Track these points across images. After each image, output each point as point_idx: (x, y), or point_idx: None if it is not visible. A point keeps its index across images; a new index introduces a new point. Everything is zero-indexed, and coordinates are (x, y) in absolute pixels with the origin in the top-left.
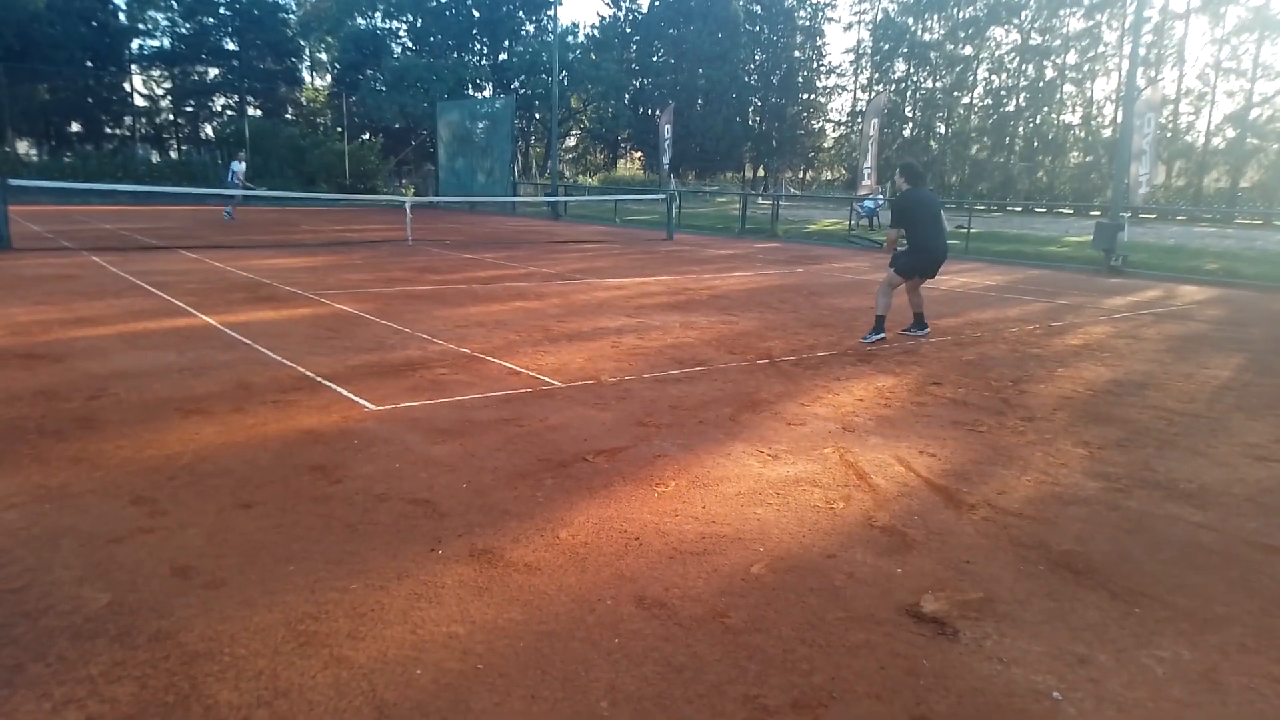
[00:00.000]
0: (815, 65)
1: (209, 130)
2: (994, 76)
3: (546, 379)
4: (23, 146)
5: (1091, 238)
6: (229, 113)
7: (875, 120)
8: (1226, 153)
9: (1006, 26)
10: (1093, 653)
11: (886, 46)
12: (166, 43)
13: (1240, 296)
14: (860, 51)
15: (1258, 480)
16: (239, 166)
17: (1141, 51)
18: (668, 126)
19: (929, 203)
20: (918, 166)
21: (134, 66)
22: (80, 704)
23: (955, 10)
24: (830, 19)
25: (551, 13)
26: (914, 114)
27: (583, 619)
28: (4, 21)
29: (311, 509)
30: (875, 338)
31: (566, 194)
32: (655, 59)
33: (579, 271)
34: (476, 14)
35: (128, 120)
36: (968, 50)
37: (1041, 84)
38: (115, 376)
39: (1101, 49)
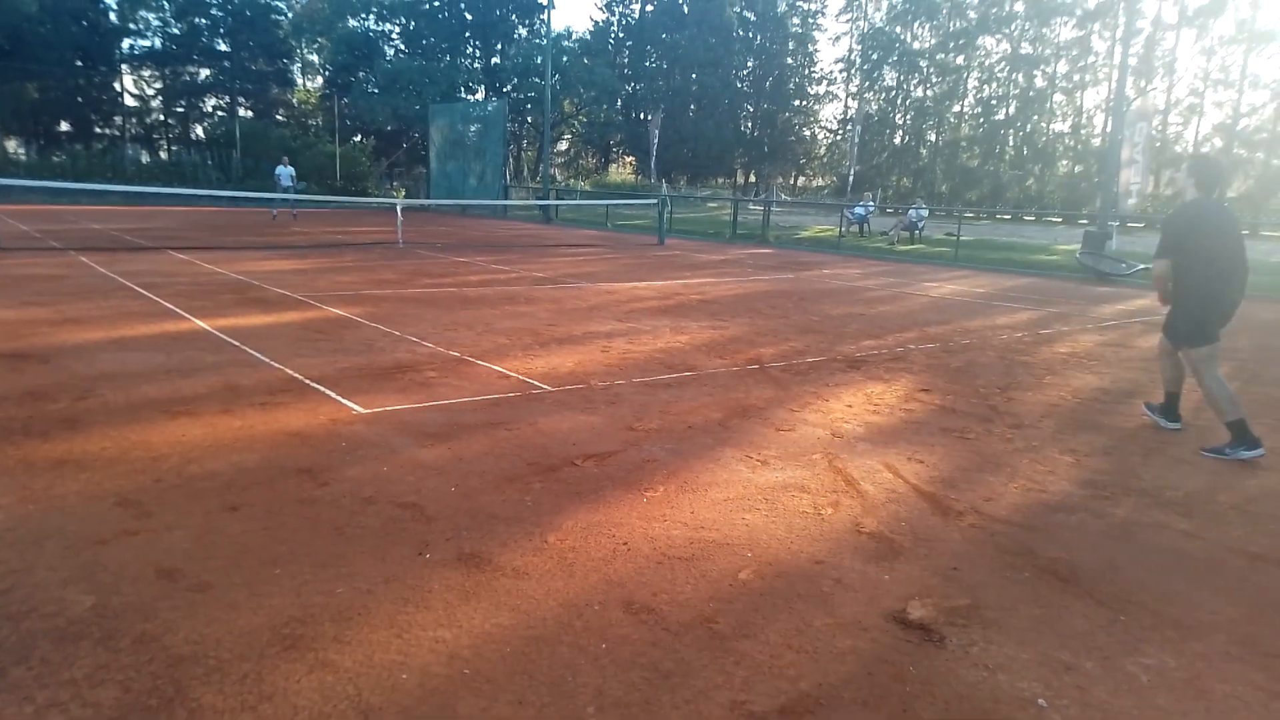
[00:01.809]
0: (806, 72)
1: (199, 131)
2: (984, 85)
3: (536, 383)
4: (11, 145)
5: (1080, 246)
6: (220, 114)
7: (859, 128)
8: None
9: (997, 36)
10: (1078, 660)
11: (876, 55)
12: (157, 43)
13: None
14: (850, 60)
15: (1243, 488)
16: (285, 170)
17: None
18: (655, 131)
19: (1225, 225)
20: (1218, 166)
21: (124, 66)
22: (63, 707)
23: (946, 20)
24: (821, 28)
25: (544, 16)
26: (904, 122)
27: (570, 624)
28: None
29: (298, 512)
30: (1169, 425)
31: (558, 198)
32: (648, 64)
33: (570, 276)
34: (469, 17)
35: (118, 120)
36: (959, 59)
37: (1032, 93)
38: (102, 378)
39: (1091, 59)
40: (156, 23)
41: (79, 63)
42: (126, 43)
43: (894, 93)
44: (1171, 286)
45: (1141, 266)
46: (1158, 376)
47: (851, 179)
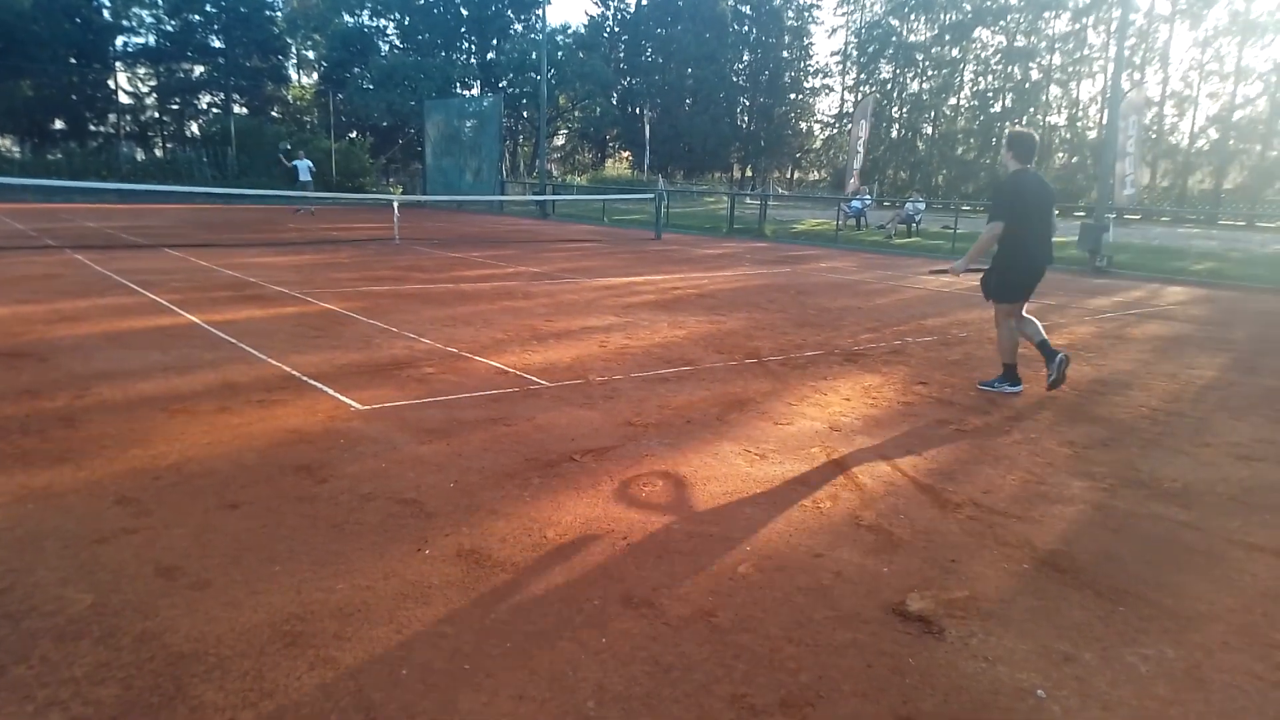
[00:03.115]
0: (802, 66)
1: (194, 128)
2: (980, 78)
3: (534, 378)
4: (6, 143)
5: (1077, 238)
6: (214, 110)
7: (864, 122)
8: (1210, 154)
9: (992, 29)
10: (1077, 651)
11: (872, 49)
12: (151, 40)
13: (1224, 297)
14: (846, 53)
15: (1241, 479)
16: (304, 164)
17: (1126, 54)
18: (648, 126)
19: (1042, 195)
20: (1032, 139)
21: (119, 64)
22: (64, 706)
23: (941, 13)
24: (817, 20)
25: (540, 12)
26: (901, 115)
27: (570, 619)
28: None
29: (297, 509)
30: (1010, 389)
31: (554, 193)
32: (643, 58)
33: (567, 271)
34: (465, 12)
35: (112, 118)
36: (954, 52)
37: (1027, 85)
38: (99, 376)
39: (1086, 51)
40: (150, 20)
41: (73, 60)
42: (120, 40)
43: (890, 85)
44: (997, 253)
45: (958, 263)
46: (1154, 367)
47: (859, 173)
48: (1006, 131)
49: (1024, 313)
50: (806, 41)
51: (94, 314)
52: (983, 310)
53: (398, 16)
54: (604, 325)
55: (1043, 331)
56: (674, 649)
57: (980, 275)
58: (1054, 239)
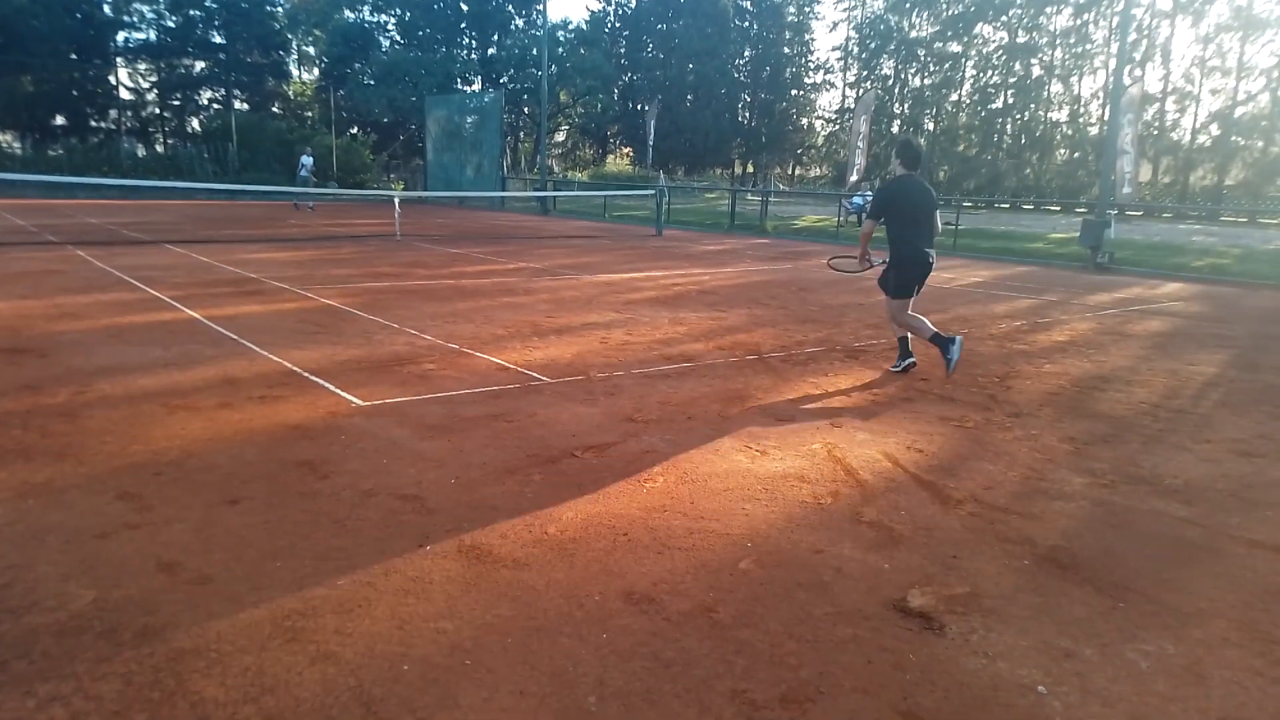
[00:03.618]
0: (803, 62)
1: (195, 124)
2: (981, 74)
3: (535, 374)
4: (6, 139)
5: (1078, 235)
6: (215, 106)
7: (865, 117)
8: (1212, 150)
9: (994, 24)
10: (1078, 647)
11: (874, 44)
12: (152, 35)
13: (1225, 293)
14: (848, 49)
15: (1241, 475)
16: (308, 160)
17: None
18: (651, 120)
19: (923, 198)
20: (918, 147)
21: (119, 59)
22: (65, 701)
23: (943, 7)
24: (818, 16)
25: (541, 7)
26: (902, 111)
27: (571, 614)
28: None
29: (299, 505)
30: (904, 363)
31: (555, 189)
32: (645, 54)
33: (568, 267)
34: (465, 8)
35: (113, 113)
36: (955, 48)
37: (1029, 81)
38: (101, 371)
39: (1088, 47)
40: (151, 15)
41: (73, 56)
42: (121, 35)
43: (892, 81)
44: (889, 252)
45: (881, 262)
46: (1155, 364)
47: (862, 169)
48: (899, 140)
49: (909, 310)
50: (808, 37)
51: (95, 310)
52: (983, 306)
53: (398, 12)
54: (605, 321)
55: (931, 326)
56: (675, 644)
57: (880, 274)
58: (936, 238)
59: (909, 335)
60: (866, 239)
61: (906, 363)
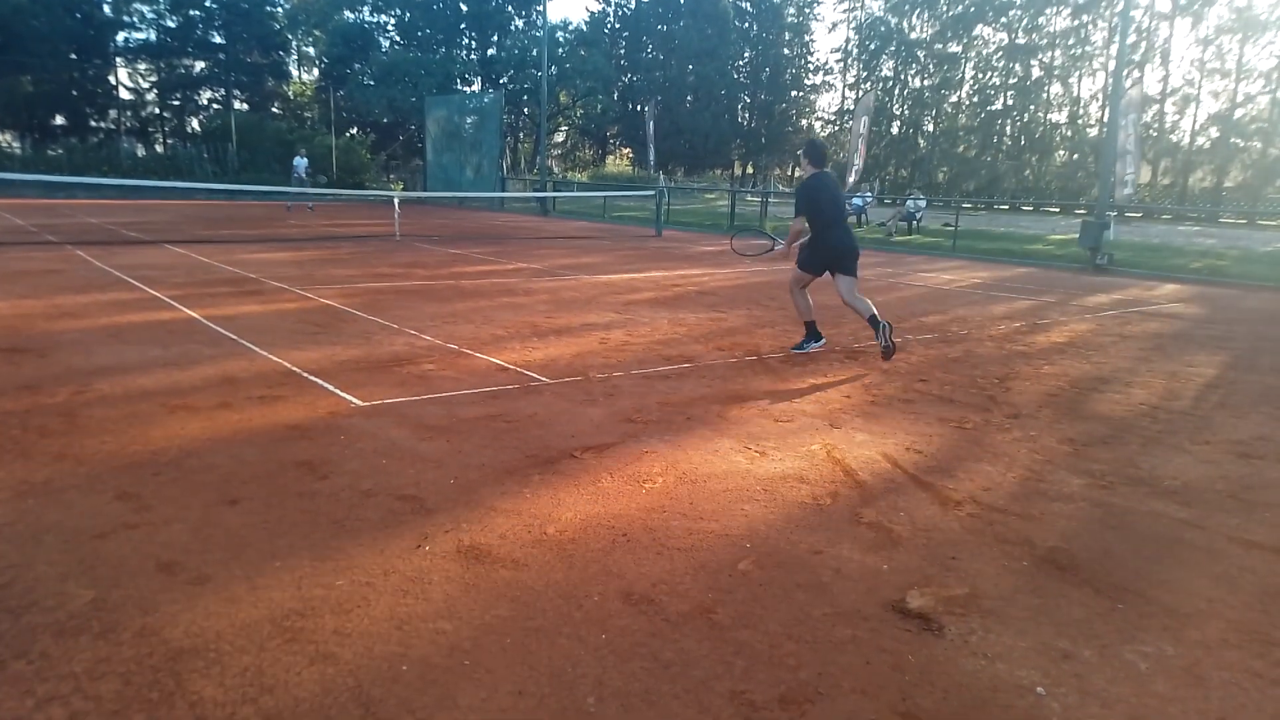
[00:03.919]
0: (803, 63)
1: (195, 124)
2: (981, 75)
3: (534, 375)
4: (6, 139)
5: (1078, 236)
6: (215, 106)
7: (864, 118)
8: (1211, 152)
9: (993, 25)
10: (1077, 648)
11: (873, 45)
12: (152, 35)
13: (1224, 295)
14: (848, 50)
15: (1240, 477)
16: (302, 162)
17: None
18: (651, 122)
19: (835, 192)
20: (823, 147)
21: (119, 59)
22: (64, 701)
23: (943, 8)
24: (818, 17)
25: (541, 7)
26: (902, 112)
27: (570, 615)
28: None
29: (298, 505)
30: (815, 346)
31: (555, 190)
32: (644, 55)
33: (567, 267)
34: (465, 8)
35: (113, 113)
36: (955, 49)
37: (1028, 83)
38: (100, 371)
39: (1088, 48)
40: (151, 15)
41: (73, 55)
42: (121, 35)
43: (891, 82)
44: (817, 239)
45: (781, 245)
46: (1155, 365)
47: (859, 170)
48: (804, 141)
49: (858, 292)
50: (807, 38)
51: (94, 309)
52: (982, 308)
53: (398, 12)
54: (604, 322)
55: (874, 309)
56: (674, 645)
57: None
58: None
59: (813, 320)
60: (797, 235)
61: (813, 345)
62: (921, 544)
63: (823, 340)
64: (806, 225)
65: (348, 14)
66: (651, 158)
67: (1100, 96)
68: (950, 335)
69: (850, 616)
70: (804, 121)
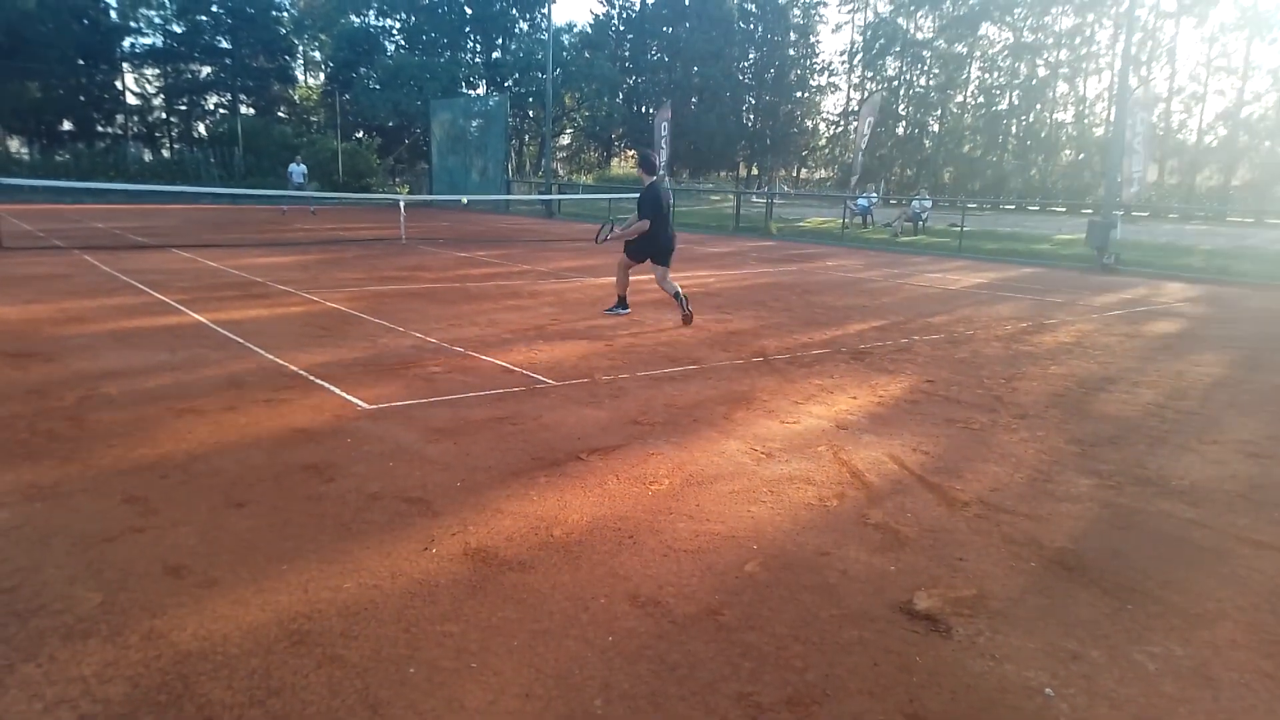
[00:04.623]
0: (808, 63)
1: (202, 129)
2: (986, 74)
3: (540, 377)
4: (14, 145)
5: (1084, 235)
6: (222, 111)
7: (870, 119)
8: (1218, 151)
9: (998, 25)
10: (1085, 649)
11: (878, 45)
12: (159, 40)
13: (1231, 294)
14: (853, 50)
15: (1249, 476)
16: (298, 169)
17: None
18: (665, 124)
19: (665, 195)
20: (651, 156)
21: (126, 64)
22: (72, 704)
23: (947, 8)
24: (823, 19)
25: (545, 10)
26: (907, 112)
27: (576, 617)
28: None
29: (305, 508)
30: (622, 311)
31: (560, 192)
32: (649, 57)
33: (573, 270)
34: (470, 11)
35: (120, 118)
36: (960, 48)
37: (1034, 82)
38: (107, 375)
39: (1093, 48)
40: (158, 21)
41: (80, 61)
42: (128, 41)
43: (896, 82)
44: (648, 235)
45: (615, 232)
46: (1162, 365)
47: (859, 168)
48: (639, 153)
49: (669, 277)
50: (812, 39)
51: (101, 314)
52: (989, 308)
53: (403, 16)
54: (610, 324)
55: (680, 290)
56: (680, 647)
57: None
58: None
59: (677, 291)
60: (639, 231)
61: (622, 311)
62: (928, 545)
63: (628, 309)
64: (645, 226)
65: (353, 18)
66: (663, 161)
67: (1106, 95)
68: (956, 336)
69: (857, 618)
70: (809, 123)
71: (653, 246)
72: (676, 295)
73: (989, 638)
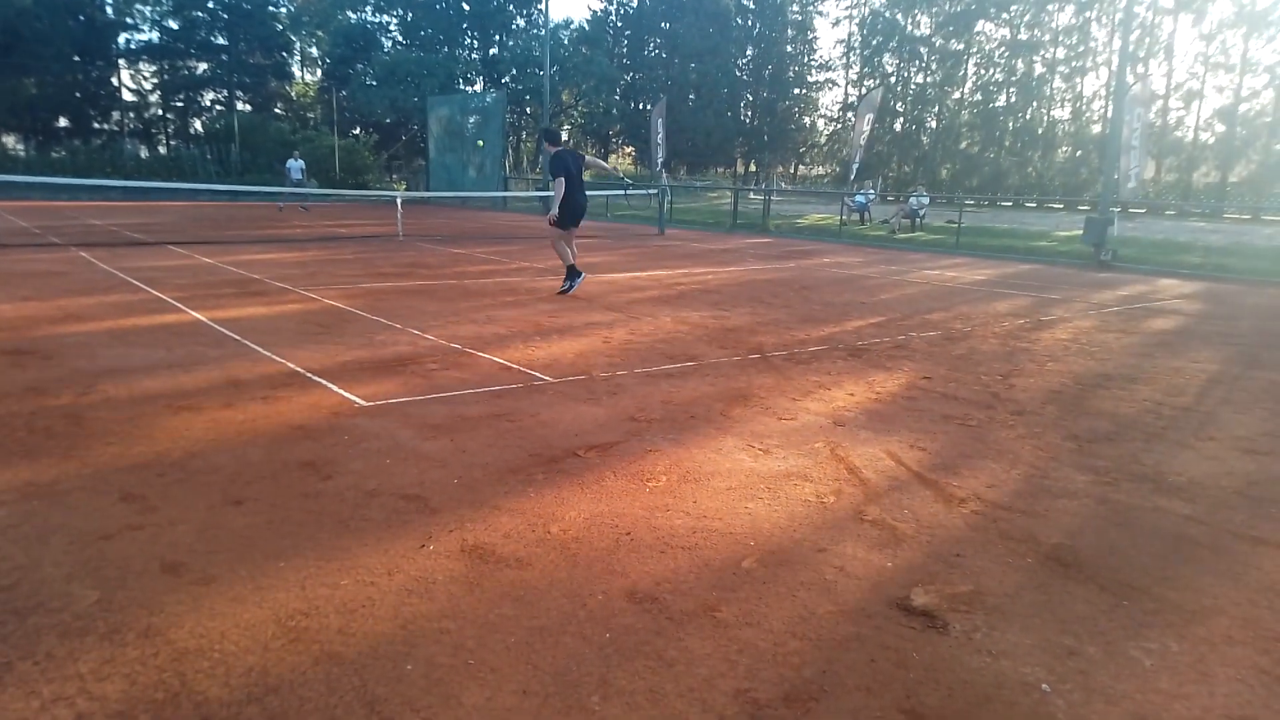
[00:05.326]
0: (806, 60)
1: (198, 125)
2: (983, 71)
3: (538, 374)
4: (10, 141)
5: (1081, 232)
6: (218, 108)
7: (869, 115)
8: (1216, 147)
9: (995, 21)
10: (1081, 645)
11: (876, 41)
12: (155, 37)
13: (1229, 291)
14: (850, 46)
15: (1246, 473)
16: (296, 164)
17: (1130, 47)
18: (660, 121)
19: (576, 161)
20: (555, 129)
21: (122, 61)
22: (69, 701)
23: (944, 5)
24: (820, 14)
25: (542, 6)
26: (904, 109)
27: (574, 614)
28: None
29: (302, 505)
30: (576, 283)
31: None
32: (647, 53)
33: None
34: (467, 8)
35: (116, 115)
36: (957, 45)
37: (1031, 79)
38: (104, 373)
39: (1090, 44)
40: (154, 16)
41: (76, 57)
42: (123, 37)
43: (893, 79)
44: (563, 200)
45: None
46: (1159, 361)
47: (858, 165)
48: (541, 128)
49: (571, 244)
50: (810, 35)
51: (98, 311)
52: (986, 305)
53: (400, 12)
54: (607, 321)
55: (573, 258)
56: (677, 644)
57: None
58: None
59: (573, 264)
60: (560, 193)
61: (574, 283)
62: (926, 541)
63: (582, 275)
64: (563, 186)
65: (350, 14)
66: (660, 157)
67: (1104, 92)
68: (954, 332)
69: (854, 614)
70: (806, 119)
71: (573, 209)
72: (570, 268)
73: (986, 634)
